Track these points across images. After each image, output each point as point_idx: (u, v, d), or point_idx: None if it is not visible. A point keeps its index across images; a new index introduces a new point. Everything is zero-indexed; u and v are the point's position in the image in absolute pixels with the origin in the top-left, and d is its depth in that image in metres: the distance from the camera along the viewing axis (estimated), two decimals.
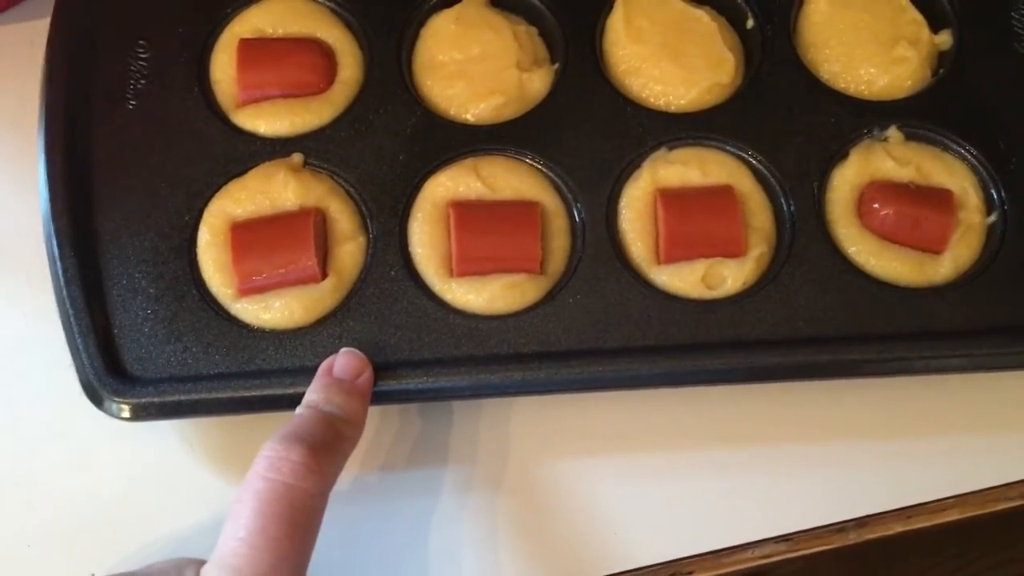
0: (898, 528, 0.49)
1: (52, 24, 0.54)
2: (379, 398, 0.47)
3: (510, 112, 0.53)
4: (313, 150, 0.52)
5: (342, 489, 0.48)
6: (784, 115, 0.52)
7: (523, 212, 0.50)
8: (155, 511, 0.50)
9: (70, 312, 0.48)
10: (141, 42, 0.54)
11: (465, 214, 0.49)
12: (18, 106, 0.56)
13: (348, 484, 0.50)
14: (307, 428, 0.43)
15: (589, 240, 0.50)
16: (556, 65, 0.54)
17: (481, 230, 0.49)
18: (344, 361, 0.46)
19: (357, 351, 0.47)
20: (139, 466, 0.50)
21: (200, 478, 0.50)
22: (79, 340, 0.47)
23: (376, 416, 0.50)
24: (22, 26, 0.60)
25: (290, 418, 0.50)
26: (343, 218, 0.50)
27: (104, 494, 0.49)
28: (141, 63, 0.54)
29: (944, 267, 0.49)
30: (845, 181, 0.51)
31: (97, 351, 0.47)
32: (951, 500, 0.49)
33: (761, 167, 0.51)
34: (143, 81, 0.53)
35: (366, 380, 0.46)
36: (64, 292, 0.48)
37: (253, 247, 0.49)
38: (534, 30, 0.55)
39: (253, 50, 0.53)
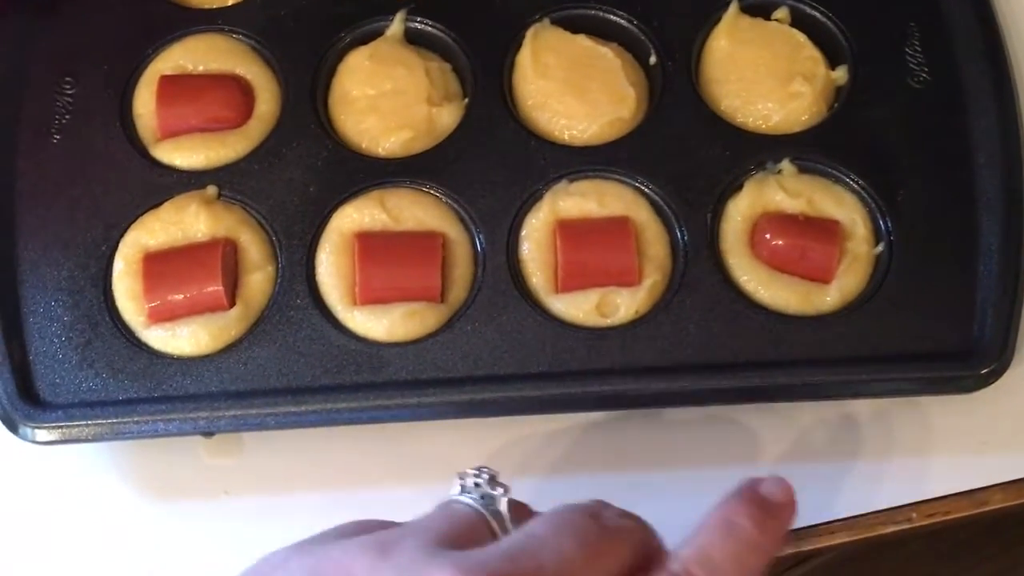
0: (787, 550, 0.50)
1: None
2: (279, 422, 0.49)
3: (420, 146, 0.55)
4: (227, 182, 0.54)
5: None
6: (681, 148, 0.54)
7: (424, 243, 0.51)
8: (76, 530, 0.51)
9: None
10: (68, 78, 0.56)
11: (368, 244, 0.51)
12: None
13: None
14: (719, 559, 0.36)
15: (489, 269, 0.51)
16: (466, 100, 0.56)
17: (383, 260, 0.51)
18: (775, 485, 0.39)
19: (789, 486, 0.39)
20: (58, 489, 0.52)
21: (120, 496, 0.52)
22: None
23: (281, 438, 0.52)
24: None
25: (197, 441, 0.52)
26: (253, 248, 0.52)
27: (26, 517, 0.51)
28: (67, 98, 0.56)
29: (831, 296, 0.50)
30: (738, 212, 0.52)
31: (11, 377, 0.49)
32: (838, 524, 0.50)
33: (658, 198, 0.53)
34: (68, 116, 0.55)
35: (792, 513, 0.39)
36: None
37: (163, 276, 0.51)
38: (447, 66, 0.57)
39: (173, 86, 0.55)
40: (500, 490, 0.37)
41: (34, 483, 0.52)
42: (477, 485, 0.37)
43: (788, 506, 0.39)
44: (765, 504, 0.39)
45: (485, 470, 0.38)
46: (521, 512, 0.37)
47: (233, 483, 0.52)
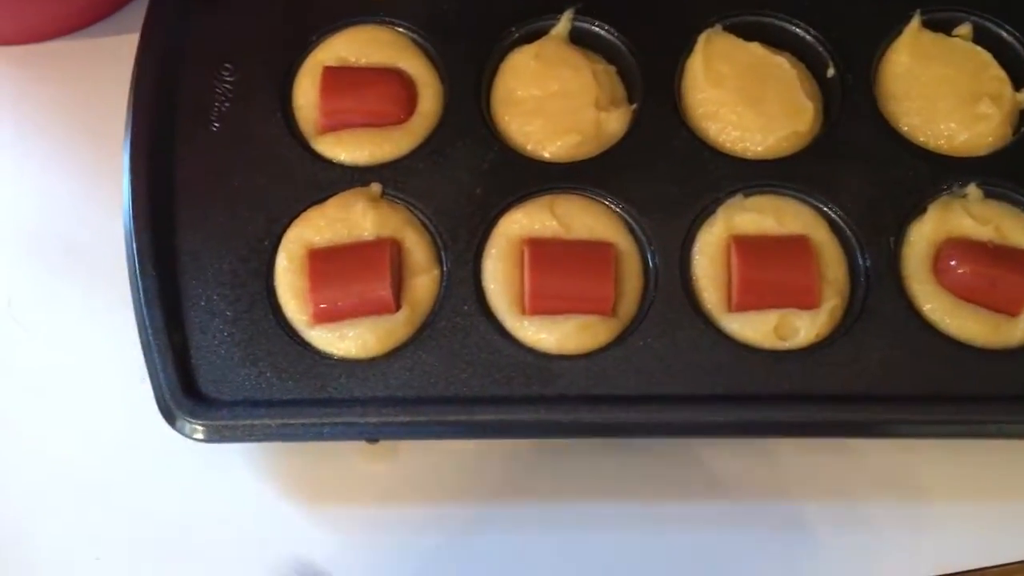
0: None
1: (140, 43, 0.55)
2: (449, 431, 0.48)
3: (586, 151, 0.53)
4: (391, 180, 0.52)
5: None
6: (862, 167, 0.52)
7: (597, 253, 0.50)
8: (221, 527, 0.50)
9: (149, 330, 0.48)
10: (227, 65, 0.55)
11: (539, 252, 0.49)
12: (103, 119, 0.57)
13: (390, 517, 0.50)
14: None
15: (662, 284, 0.50)
16: (634, 105, 0.54)
17: (555, 269, 0.49)
18: None
19: None
20: (207, 484, 0.51)
21: (266, 499, 0.51)
22: (157, 359, 0.48)
23: (437, 445, 0.51)
24: (110, 40, 0.61)
25: (360, 448, 0.50)
26: (418, 250, 0.50)
27: (172, 510, 0.50)
28: (226, 85, 0.54)
29: (1021, 330, 0.48)
30: (922, 237, 0.50)
31: (174, 371, 0.48)
32: (1015, 565, 0.48)
33: (837, 219, 0.51)
34: (227, 104, 0.54)
35: None
36: (144, 310, 0.49)
37: (330, 275, 0.49)
38: (612, 69, 0.55)
39: (336, 78, 0.54)
40: None
41: (180, 484, 0.51)
42: None
43: None
44: None
45: None
46: None
47: (386, 490, 0.51)
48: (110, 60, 0.59)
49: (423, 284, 0.50)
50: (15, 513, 0.50)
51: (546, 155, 0.53)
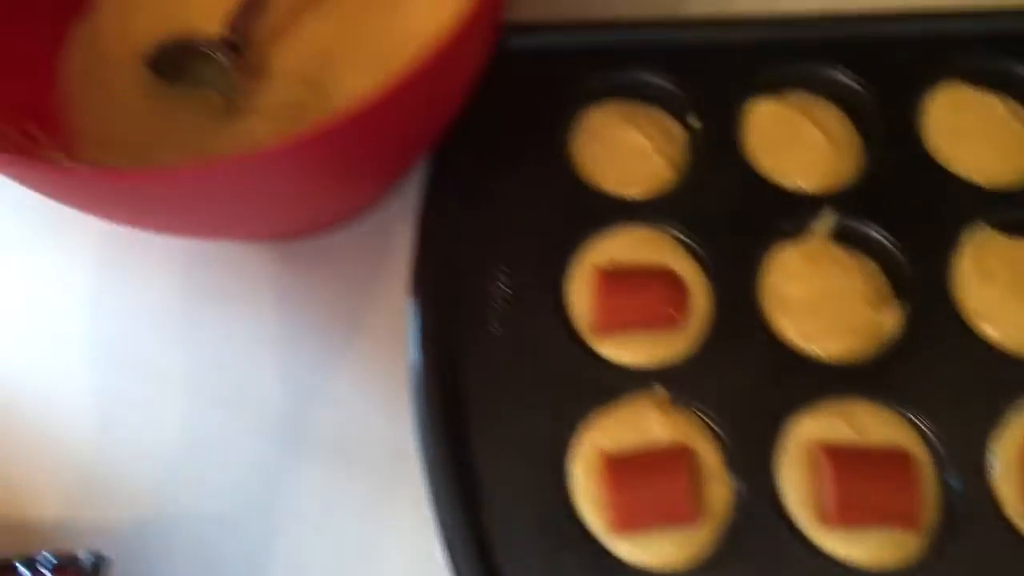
0: None
1: (418, 248, 0.57)
2: None
3: (862, 351, 0.53)
4: (674, 383, 0.53)
5: None
6: None
7: (898, 462, 0.49)
8: None
9: (454, 542, 0.49)
10: (502, 267, 0.57)
11: (841, 461, 0.49)
12: (372, 316, 0.59)
13: None
14: None
15: (964, 494, 0.49)
16: (904, 304, 0.55)
17: (858, 479, 0.49)
18: None
19: None
20: None
21: None
22: (463, 568, 0.49)
23: None
24: (370, 235, 0.61)
25: None
26: (710, 457, 0.51)
27: None
28: (502, 287, 0.56)
29: None
30: None
31: None
32: None
33: None
34: (505, 304, 0.56)
35: None
36: (446, 520, 0.50)
37: (627, 484, 0.50)
38: (876, 266, 0.56)
39: (610, 280, 0.55)
40: None
41: None
42: None
43: None
44: None
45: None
46: None
47: None
48: (370, 255, 0.61)
49: (719, 493, 0.50)
50: None
51: (823, 355, 0.54)
